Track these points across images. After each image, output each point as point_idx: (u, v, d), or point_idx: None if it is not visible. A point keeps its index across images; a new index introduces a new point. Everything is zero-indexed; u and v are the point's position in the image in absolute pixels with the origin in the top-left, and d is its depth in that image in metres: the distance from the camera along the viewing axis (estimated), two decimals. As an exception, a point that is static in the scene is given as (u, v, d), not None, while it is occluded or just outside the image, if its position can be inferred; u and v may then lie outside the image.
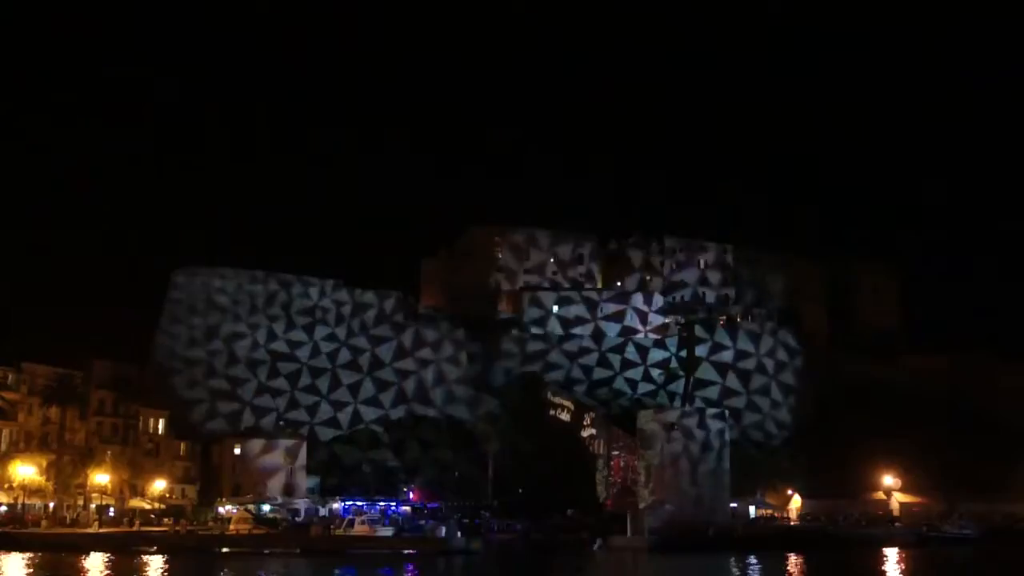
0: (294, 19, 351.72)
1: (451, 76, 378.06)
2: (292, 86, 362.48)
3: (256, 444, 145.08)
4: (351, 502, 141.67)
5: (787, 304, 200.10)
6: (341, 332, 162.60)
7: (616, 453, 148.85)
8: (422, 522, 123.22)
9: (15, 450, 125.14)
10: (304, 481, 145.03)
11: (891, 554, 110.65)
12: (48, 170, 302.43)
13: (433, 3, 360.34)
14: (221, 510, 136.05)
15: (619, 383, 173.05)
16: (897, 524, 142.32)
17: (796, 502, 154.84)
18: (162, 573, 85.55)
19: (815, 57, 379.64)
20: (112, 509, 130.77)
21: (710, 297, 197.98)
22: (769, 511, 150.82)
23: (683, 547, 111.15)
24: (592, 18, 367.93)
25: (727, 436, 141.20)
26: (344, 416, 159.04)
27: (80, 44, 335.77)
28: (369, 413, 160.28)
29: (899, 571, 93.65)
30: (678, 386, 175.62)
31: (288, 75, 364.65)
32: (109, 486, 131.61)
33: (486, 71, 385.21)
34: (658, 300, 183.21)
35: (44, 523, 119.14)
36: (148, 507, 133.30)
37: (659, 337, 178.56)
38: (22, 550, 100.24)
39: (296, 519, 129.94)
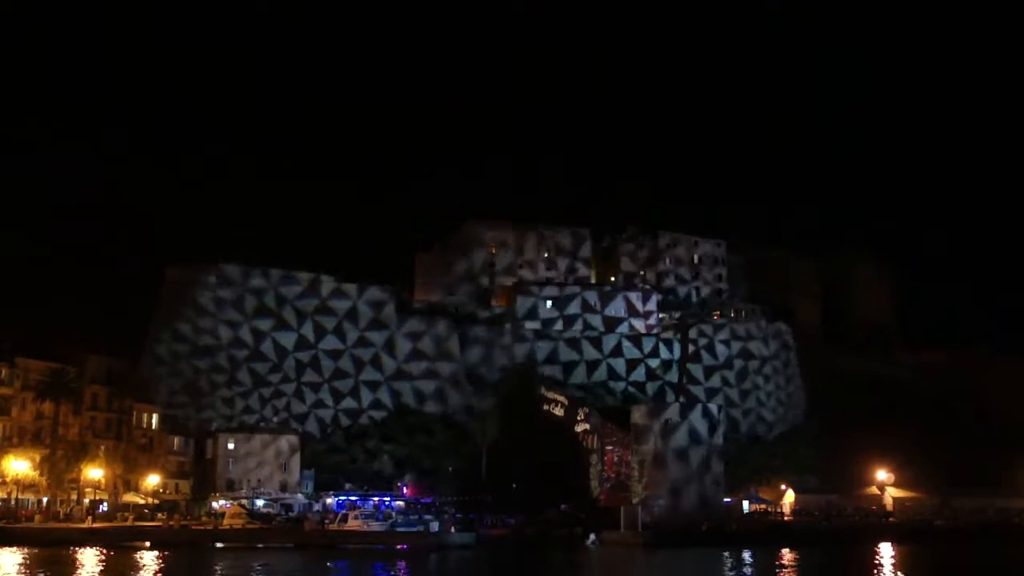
0: (293, 17, 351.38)
1: (448, 73, 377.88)
2: (289, 82, 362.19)
3: (250, 439, 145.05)
4: (344, 497, 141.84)
5: (781, 299, 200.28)
6: (335, 327, 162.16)
7: (609, 448, 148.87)
8: (415, 517, 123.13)
9: (8, 445, 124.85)
10: (298, 476, 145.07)
11: (885, 549, 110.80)
12: (44, 166, 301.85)
13: (430, 1, 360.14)
14: (215, 505, 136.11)
15: (612, 378, 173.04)
16: (891, 519, 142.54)
17: (790, 497, 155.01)
18: (156, 568, 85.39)
19: (812, 54, 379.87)
20: (105, 504, 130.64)
21: (704, 292, 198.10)
22: (763, 506, 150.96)
23: (677, 542, 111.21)
24: (591, 15, 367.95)
25: (720, 431, 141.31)
26: (338, 411, 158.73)
27: (79, 41, 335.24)
28: (363, 408, 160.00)
29: (892, 566, 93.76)
30: (671, 381, 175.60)
31: (285, 71, 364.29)
32: (102, 481, 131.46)
33: (483, 68, 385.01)
34: (652, 295, 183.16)
35: (38, 518, 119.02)
36: (142, 502, 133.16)
37: (653, 332, 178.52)
38: (16, 545, 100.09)
39: (290, 514, 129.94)
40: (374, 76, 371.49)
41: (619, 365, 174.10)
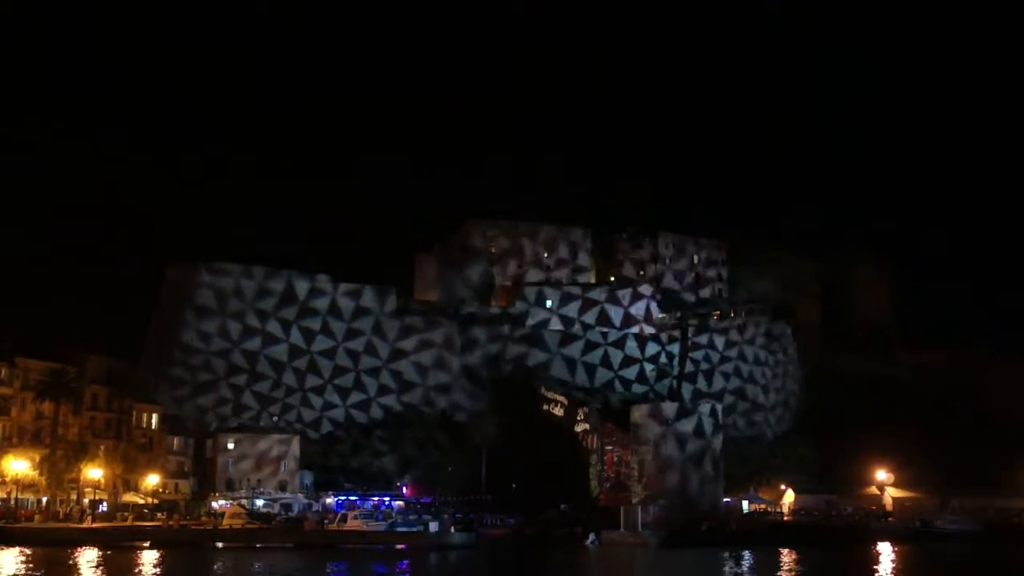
0: (293, 17, 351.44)
1: (447, 72, 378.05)
2: (289, 82, 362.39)
3: (250, 439, 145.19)
4: (344, 497, 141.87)
5: (781, 299, 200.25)
6: (335, 327, 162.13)
7: (609, 448, 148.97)
8: (415, 517, 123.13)
9: (8, 445, 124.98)
10: (297, 476, 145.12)
11: (884, 549, 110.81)
12: (44, 165, 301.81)
13: (431, 1, 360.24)
14: (215, 505, 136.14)
15: (612, 378, 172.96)
16: (890, 519, 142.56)
17: (789, 497, 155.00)
18: (156, 568, 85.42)
19: (812, 54, 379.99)
20: (105, 504, 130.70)
21: (704, 292, 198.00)
22: (762, 506, 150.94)
23: (676, 542, 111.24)
24: (591, 15, 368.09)
25: (720, 431, 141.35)
26: (338, 411, 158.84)
27: (79, 41, 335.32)
28: (363, 407, 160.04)
29: (892, 566, 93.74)
30: (671, 381, 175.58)
31: (285, 71, 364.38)
32: (102, 481, 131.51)
33: (483, 68, 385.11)
34: (652, 295, 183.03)
35: (37, 518, 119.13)
36: (141, 502, 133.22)
37: (653, 332, 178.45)
38: (15, 545, 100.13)
39: (289, 514, 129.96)
40: (374, 76, 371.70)
41: (619, 364, 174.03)
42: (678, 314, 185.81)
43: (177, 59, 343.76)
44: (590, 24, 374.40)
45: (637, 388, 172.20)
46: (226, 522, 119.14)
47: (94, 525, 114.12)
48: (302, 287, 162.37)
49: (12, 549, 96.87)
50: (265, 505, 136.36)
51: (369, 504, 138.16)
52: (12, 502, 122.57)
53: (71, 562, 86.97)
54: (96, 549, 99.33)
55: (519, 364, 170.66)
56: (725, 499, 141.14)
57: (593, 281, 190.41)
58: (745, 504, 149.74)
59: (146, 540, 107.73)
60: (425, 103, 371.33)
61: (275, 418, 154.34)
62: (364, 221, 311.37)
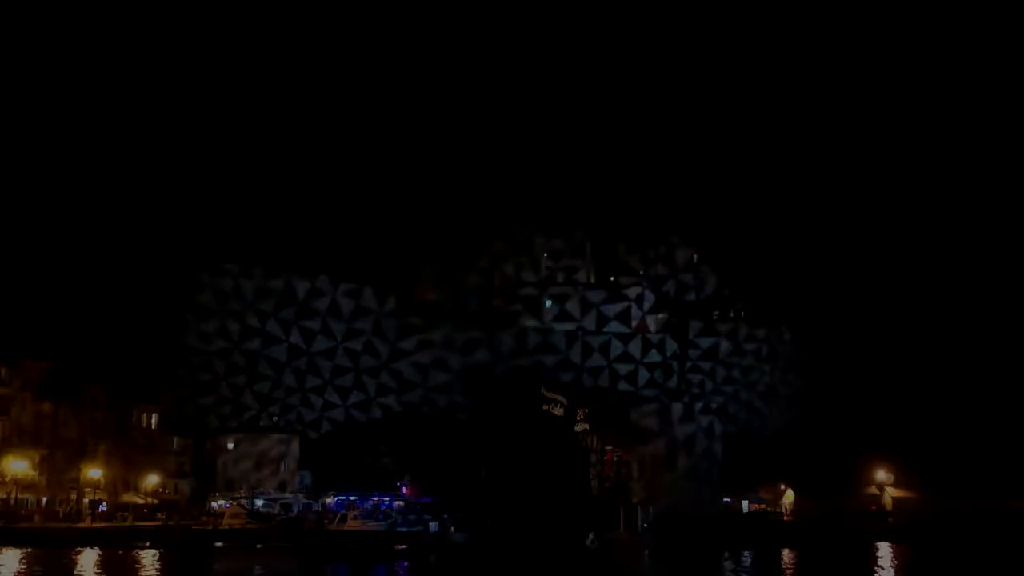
0: (290, 18, 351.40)
1: (447, 73, 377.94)
2: (287, 81, 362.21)
3: (249, 439, 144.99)
4: (344, 497, 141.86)
5: (781, 298, 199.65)
6: (335, 327, 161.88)
7: (609, 448, 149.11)
8: (414, 517, 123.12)
9: (8, 445, 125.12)
10: (297, 476, 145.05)
11: (883, 549, 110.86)
12: (43, 163, 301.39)
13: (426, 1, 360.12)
14: (214, 504, 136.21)
15: (612, 378, 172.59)
16: (890, 519, 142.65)
17: (790, 497, 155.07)
18: (156, 568, 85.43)
19: (812, 55, 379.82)
20: (104, 504, 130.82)
21: (703, 292, 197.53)
22: (762, 506, 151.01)
23: (676, 542, 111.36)
24: (591, 14, 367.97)
25: (720, 431, 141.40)
26: (338, 411, 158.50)
27: (77, 42, 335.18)
28: (363, 407, 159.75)
29: (891, 566, 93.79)
30: (671, 381, 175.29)
31: (282, 70, 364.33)
32: (102, 481, 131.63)
33: (482, 68, 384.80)
34: (651, 296, 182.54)
35: (37, 518, 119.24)
36: (141, 502, 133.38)
37: (652, 333, 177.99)
38: (15, 545, 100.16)
39: (289, 514, 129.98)
40: (372, 75, 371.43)
41: (619, 365, 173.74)
42: (678, 314, 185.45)
43: (176, 59, 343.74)
44: (592, 23, 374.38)
45: (636, 388, 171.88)
46: (226, 522, 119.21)
47: (94, 525, 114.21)
48: (302, 287, 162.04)
49: (12, 549, 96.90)
50: (265, 505, 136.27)
51: (369, 504, 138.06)
52: (12, 502, 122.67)
53: (71, 562, 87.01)
54: (96, 549, 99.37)
55: (519, 364, 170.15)
56: (725, 499, 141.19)
57: (593, 281, 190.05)
58: (745, 504, 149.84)
59: (146, 540, 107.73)
60: (425, 103, 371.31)
61: (275, 418, 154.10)
62: (364, 222, 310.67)
